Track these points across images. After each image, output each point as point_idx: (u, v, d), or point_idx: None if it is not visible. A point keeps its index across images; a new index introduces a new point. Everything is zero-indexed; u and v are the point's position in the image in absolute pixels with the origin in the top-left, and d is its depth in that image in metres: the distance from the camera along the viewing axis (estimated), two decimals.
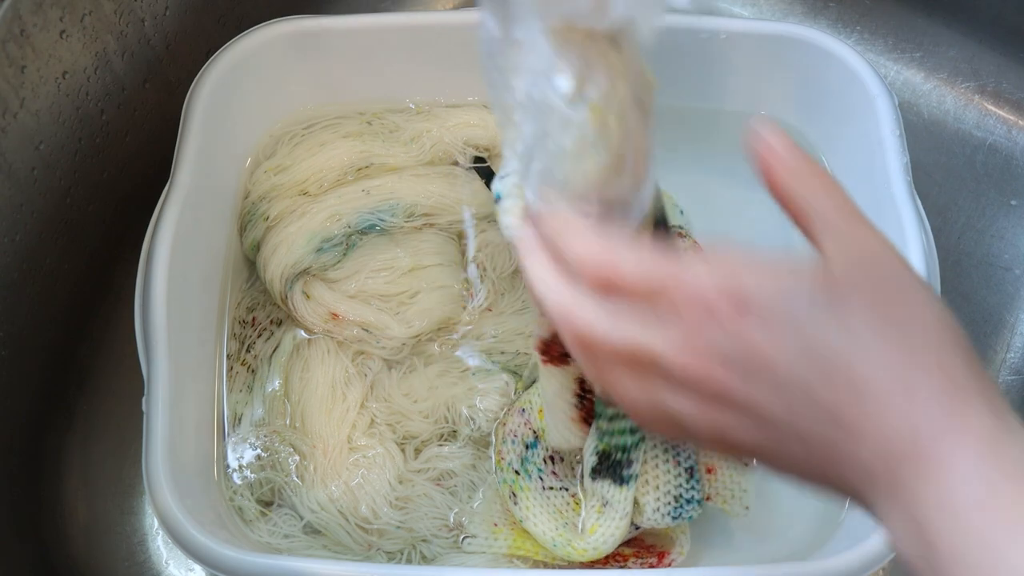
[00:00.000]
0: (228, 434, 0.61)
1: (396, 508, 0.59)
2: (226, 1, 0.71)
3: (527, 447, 0.58)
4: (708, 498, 0.55)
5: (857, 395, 0.31)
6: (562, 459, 0.58)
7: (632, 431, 0.52)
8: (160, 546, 0.64)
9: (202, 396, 0.60)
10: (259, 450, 0.60)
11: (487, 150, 0.69)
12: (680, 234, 0.63)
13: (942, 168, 0.75)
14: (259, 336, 0.64)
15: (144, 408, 0.54)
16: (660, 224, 0.43)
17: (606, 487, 0.53)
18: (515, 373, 0.62)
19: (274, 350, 0.63)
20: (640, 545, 0.57)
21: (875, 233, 0.34)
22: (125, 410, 0.61)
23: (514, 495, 0.56)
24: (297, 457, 0.60)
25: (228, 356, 0.63)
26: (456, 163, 0.69)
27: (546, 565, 0.56)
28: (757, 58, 0.67)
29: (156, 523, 0.58)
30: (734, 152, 0.42)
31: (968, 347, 0.32)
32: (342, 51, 0.67)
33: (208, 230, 0.63)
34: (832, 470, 0.33)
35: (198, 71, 0.63)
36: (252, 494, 0.59)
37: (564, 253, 0.37)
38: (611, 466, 0.53)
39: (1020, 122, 0.76)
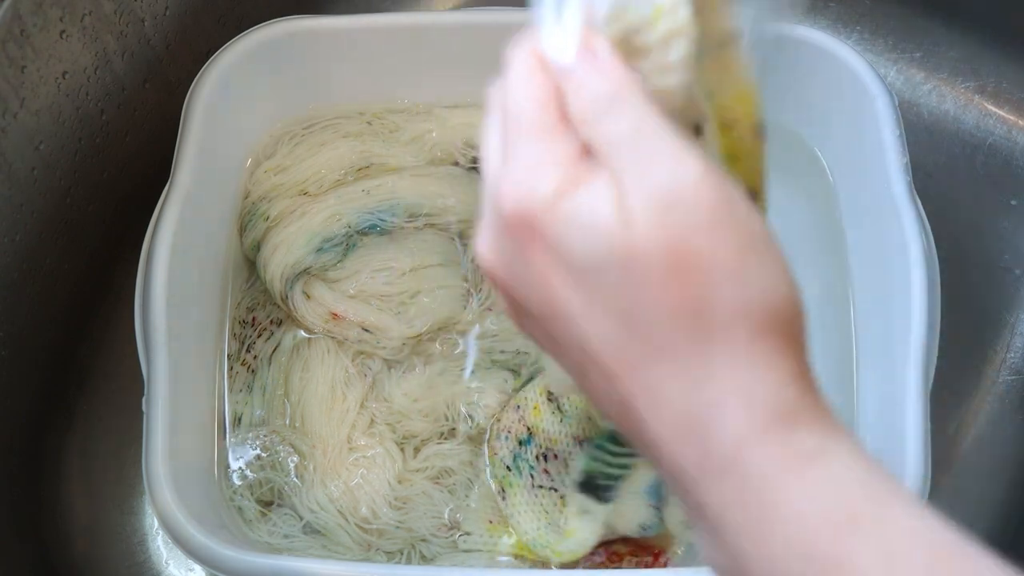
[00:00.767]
0: (228, 434, 0.61)
1: (395, 508, 0.59)
2: (226, 1, 0.71)
3: (520, 443, 0.58)
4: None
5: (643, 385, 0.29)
6: (556, 456, 0.58)
7: (621, 466, 0.53)
8: (160, 546, 0.64)
9: (202, 396, 0.60)
10: (259, 450, 0.60)
11: None
12: None
13: (942, 168, 0.74)
14: (259, 336, 0.64)
15: (144, 408, 0.54)
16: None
17: (588, 501, 0.54)
18: (514, 371, 0.62)
19: (274, 350, 0.63)
20: (636, 544, 0.57)
21: (686, 160, 0.28)
22: (125, 410, 0.61)
23: (503, 491, 0.57)
24: (297, 457, 0.60)
25: (228, 356, 0.63)
26: (456, 163, 0.69)
27: (544, 564, 0.56)
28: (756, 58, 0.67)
29: (156, 523, 0.58)
30: None
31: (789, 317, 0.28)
32: (342, 51, 0.67)
33: (208, 230, 0.63)
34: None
35: (198, 71, 0.63)
36: (252, 494, 0.59)
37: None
38: (595, 487, 0.54)
39: (1020, 122, 0.76)
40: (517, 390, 0.61)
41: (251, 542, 0.57)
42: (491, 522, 0.57)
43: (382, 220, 0.66)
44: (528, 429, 0.58)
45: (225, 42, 0.64)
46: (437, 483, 0.60)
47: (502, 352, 0.63)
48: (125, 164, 0.67)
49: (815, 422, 0.28)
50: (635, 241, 0.27)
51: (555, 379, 0.54)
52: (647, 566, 0.55)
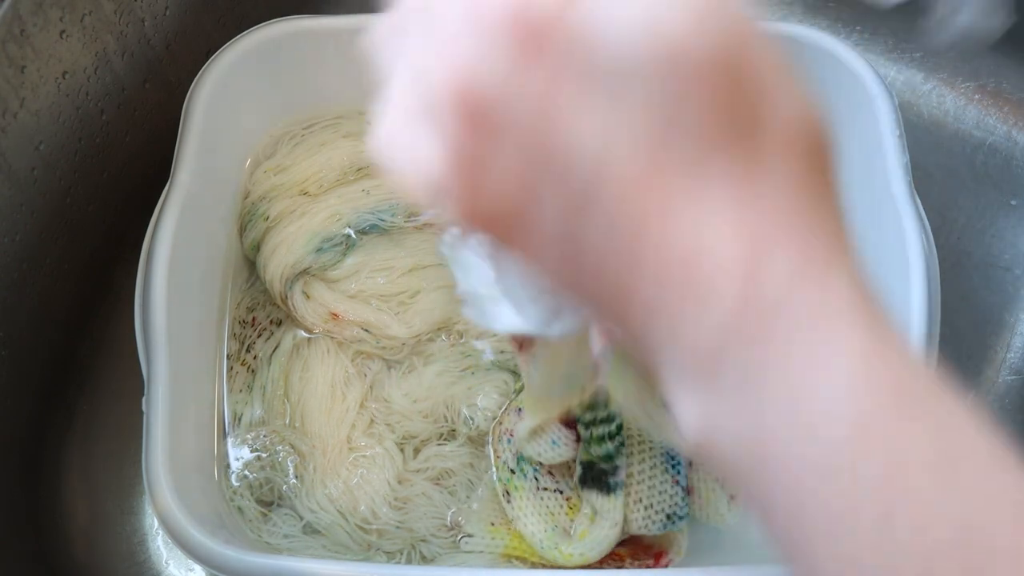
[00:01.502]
0: (228, 434, 0.61)
1: (395, 508, 0.59)
2: (226, 1, 0.71)
3: None
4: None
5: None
6: None
7: (611, 436, 0.52)
8: (160, 546, 0.64)
9: (202, 396, 0.60)
10: (259, 450, 0.60)
11: None
12: None
13: (942, 168, 0.74)
14: (259, 336, 0.64)
15: (144, 408, 0.54)
16: None
17: (595, 496, 0.54)
18: (514, 372, 0.62)
19: (274, 350, 0.63)
20: (637, 545, 0.57)
21: None
22: (125, 410, 0.61)
23: (508, 494, 0.57)
24: (297, 457, 0.60)
25: (228, 356, 0.63)
26: None
27: (544, 565, 0.56)
28: None
29: (156, 523, 0.58)
30: None
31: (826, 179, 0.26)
32: (342, 51, 0.67)
33: (208, 230, 0.63)
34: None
35: (198, 71, 0.63)
36: (252, 494, 0.59)
37: None
38: (596, 475, 0.54)
39: (1020, 122, 0.76)
40: (517, 392, 0.61)
41: (251, 542, 0.57)
42: (493, 524, 0.57)
43: (382, 220, 0.66)
44: None
45: (225, 42, 0.64)
46: (437, 484, 0.60)
47: (502, 352, 0.63)
48: (125, 164, 0.67)
49: (854, 270, 0.25)
50: (684, 37, 0.24)
51: (530, 397, 0.54)
52: (648, 567, 0.55)
